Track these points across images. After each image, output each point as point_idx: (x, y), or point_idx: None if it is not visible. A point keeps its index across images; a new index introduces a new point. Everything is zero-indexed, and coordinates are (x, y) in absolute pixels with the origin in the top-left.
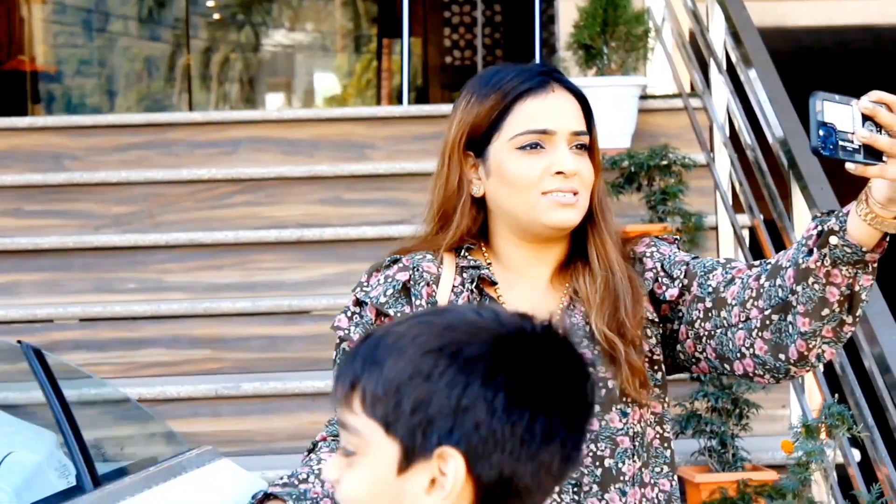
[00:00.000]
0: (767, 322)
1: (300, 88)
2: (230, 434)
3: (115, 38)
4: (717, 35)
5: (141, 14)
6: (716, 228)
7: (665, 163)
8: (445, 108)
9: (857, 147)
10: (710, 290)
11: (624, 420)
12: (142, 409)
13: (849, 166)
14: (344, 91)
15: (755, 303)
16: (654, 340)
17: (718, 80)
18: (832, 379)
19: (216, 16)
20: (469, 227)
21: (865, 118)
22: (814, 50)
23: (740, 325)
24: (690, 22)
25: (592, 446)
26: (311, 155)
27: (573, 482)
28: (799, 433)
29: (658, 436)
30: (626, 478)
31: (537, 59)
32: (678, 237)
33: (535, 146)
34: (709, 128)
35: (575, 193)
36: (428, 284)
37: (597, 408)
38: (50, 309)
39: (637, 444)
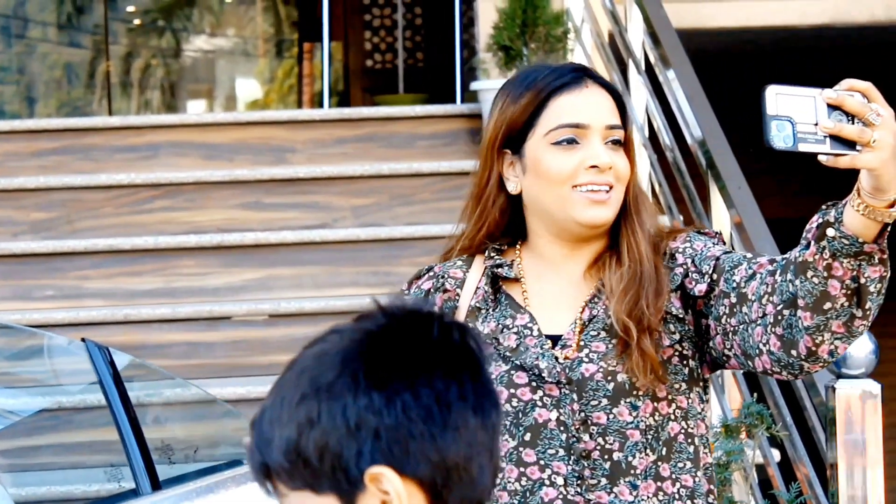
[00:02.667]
0: (780, 318)
1: (222, 94)
2: (151, 442)
3: (34, 44)
4: (636, 36)
5: (60, 20)
6: None
7: None
8: (367, 110)
9: (822, 138)
10: (735, 285)
11: (634, 413)
12: (230, 410)
13: (820, 158)
14: (266, 96)
15: (770, 298)
16: (677, 336)
17: (637, 81)
18: (751, 379)
19: (136, 21)
20: (497, 221)
21: (833, 108)
22: (733, 51)
23: (758, 321)
24: (609, 23)
25: (601, 440)
26: (232, 159)
27: (577, 475)
28: (719, 433)
29: (682, 431)
30: (638, 471)
31: (458, 62)
32: (719, 232)
33: (570, 141)
34: None
35: (609, 189)
36: (446, 290)
37: (604, 401)
38: None
39: (651, 437)
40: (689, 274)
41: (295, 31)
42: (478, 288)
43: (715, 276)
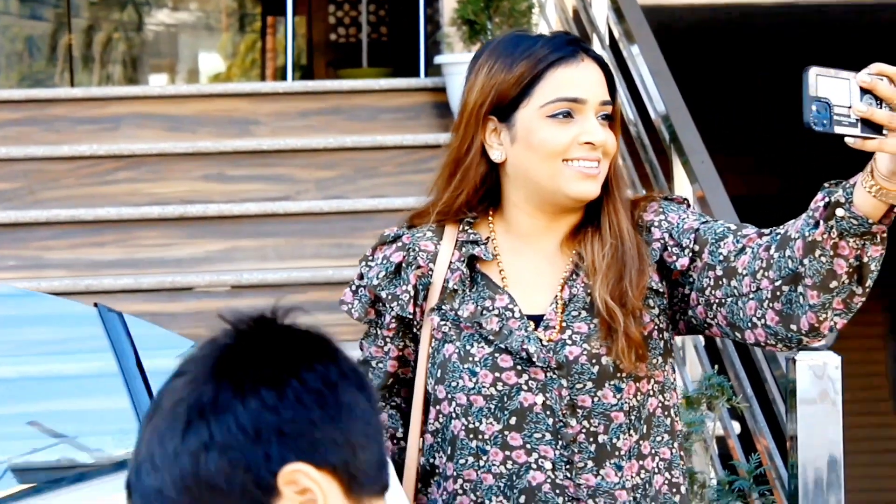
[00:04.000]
0: (778, 293)
1: (184, 69)
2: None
3: None
4: (600, 11)
5: None
6: None
7: None
8: (330, 83)
9: (855, 121)
10: (721, 258)
11: (618, 396)
12: None
13: (848, 140)
14: (229, 71)
15: (766, 273)
16: (656, 311)
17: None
18: (713, 351)
19: None
20: (476, 188)
21: (864, 91)
22: (696, 27)
23: (751, 296)
24: None
25: (585, 423)
26: (195, 131)
27: (565, 459)
28: (679, 405)
29: (660, 405)
30: (622, 452)
31: (422, 37)
32: (685, 198)
33: (566, 115)
34: None
35: (598, 163)
36: (419, 266)
37: (589, 384)
38: None
39: (633, 417)
40: (668, 248)
41: (258, 5)
42: (452, 265)
43: (697, 248)
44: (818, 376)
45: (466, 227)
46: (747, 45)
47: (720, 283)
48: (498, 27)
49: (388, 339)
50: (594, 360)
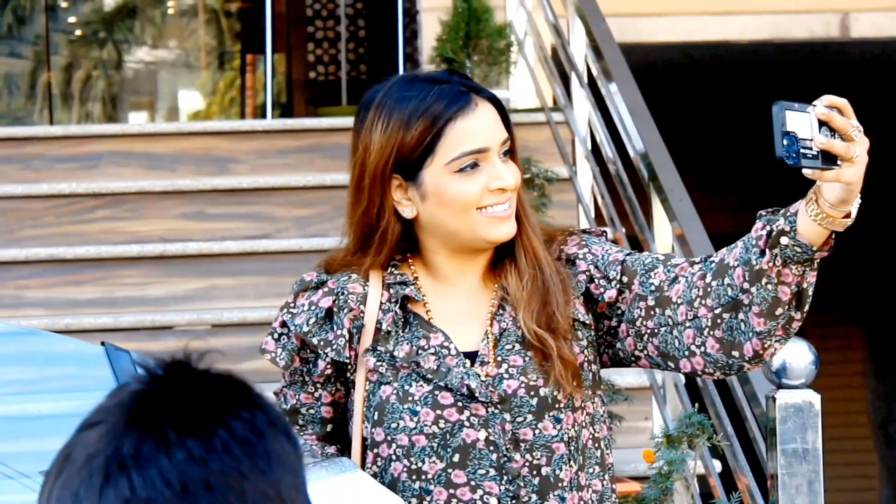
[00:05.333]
0: (719, 321)
1: (164, 106)
2: None
3: None
4: (578, 49)
5: (0, 30)
6: None
7: (528, 176)
8: (309, 121)
9: (816, 153)
10: (653, 288)
11: (558, 427)
12: None
13: (806, 172)
14: (208, 108)
15: (703, 301)
16: (584, 342)
17: (580, 94)
18: (693, 390)
19: (78, 32)
20: (396, 244)
21: (822, 124)
22: (673, 66)
23: (688, 324)
24: (552, 36)
25: (528, 456)
26: (174, 169)
27: (511, 494)
28: (660, 443)
29: (591, 436)
30: (564, 483)
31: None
32: (605, 230)
33: (473, 165)
34: (571, 142)
35: (509, 203)
36: (351, 309)
37: (529, 416)
38: None
39: (573, 448)
40: (595, 280)
41: (238, 42)
42: (382, 306)
43: (625, 280)
44: (798, 415)
45: (393, 270)
46: (733, 81)
47: (652, 313)
48: (477, 65)
49: (318, 386)
50: (532, 393)
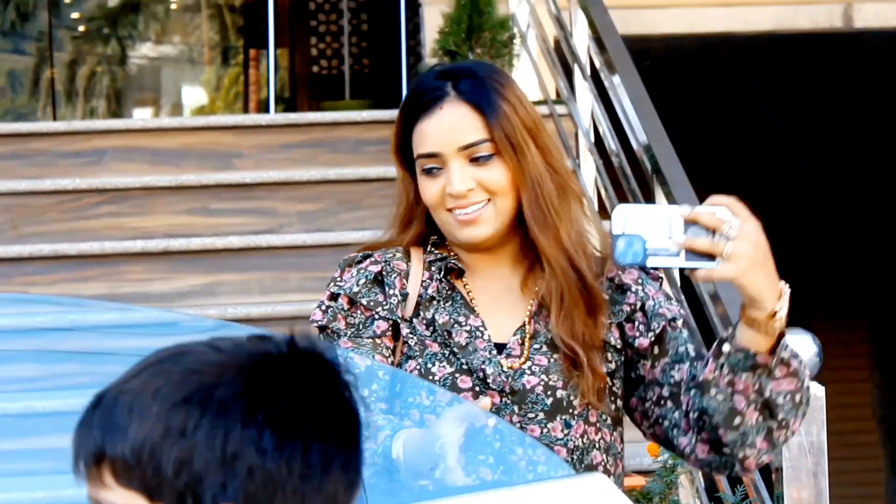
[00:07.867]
0: (705, 430)
1: (168, 102)
2: None
3: None
4: (581, 41)
5: (3, 27)
6: None
7: None
8: (312, 116)
9: (677, 252)
10: (672, 382)
11: (566, 431)
12: None
13: (686, 272)
14: (212, 104)
15: (692, 414)
16: (613, 366)
17: (583, 87)
18: None
19: (81, 28)
20: (423, 229)
21: (692, 223)
22: (676, 57)
23: (686, 431)
24: (555, 28)
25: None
26: (178, 164)
27: None
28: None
29: (603, 464)
30: None
31: (404, 68)
32: (661, 276)
33: (436, 168)
34: (574, 134)
35: (486, 203)
36: (399, 276)
37: (541, 415)
38: None
39: (575, 458)
40: (635, 318)
41: (241, 37)
42: (424, 283)
43: (658, 348)
44: None
45: (433, 249)
46: (737, 72)
47: (663, 403)
48: (479, 58)
49: (371, 347)
50: (549, 392)
